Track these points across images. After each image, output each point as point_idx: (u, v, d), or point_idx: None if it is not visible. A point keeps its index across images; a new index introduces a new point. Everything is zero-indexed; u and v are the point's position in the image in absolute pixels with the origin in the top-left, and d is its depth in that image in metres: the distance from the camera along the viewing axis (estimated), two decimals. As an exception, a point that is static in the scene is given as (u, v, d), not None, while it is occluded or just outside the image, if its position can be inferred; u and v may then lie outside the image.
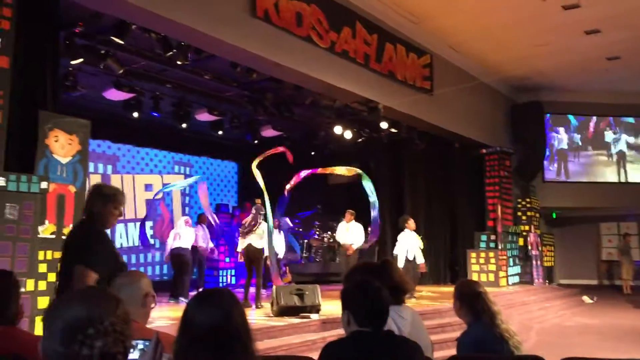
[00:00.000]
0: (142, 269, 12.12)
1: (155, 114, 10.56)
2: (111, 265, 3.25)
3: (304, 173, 10.11)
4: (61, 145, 5.86)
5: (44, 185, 5.39)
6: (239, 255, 8.97)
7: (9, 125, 5.39)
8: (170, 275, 11.09)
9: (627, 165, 15.41)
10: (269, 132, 12.36)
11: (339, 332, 5.96)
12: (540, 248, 13.95)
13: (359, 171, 10.24)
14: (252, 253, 8.70)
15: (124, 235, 12.60)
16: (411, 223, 10.18)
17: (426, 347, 3.00)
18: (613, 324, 10.21)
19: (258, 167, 9.44)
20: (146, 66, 9.22)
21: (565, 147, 15.40)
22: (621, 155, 15.45)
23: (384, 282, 2.74)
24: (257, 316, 7.57)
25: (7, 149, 5.40)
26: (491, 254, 12.18)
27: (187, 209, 14.31)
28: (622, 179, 15.34)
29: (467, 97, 11.96)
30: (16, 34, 5.48)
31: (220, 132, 11.85)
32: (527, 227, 13.93)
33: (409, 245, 9.96)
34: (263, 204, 8.97)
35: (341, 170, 10.44)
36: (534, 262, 13.66)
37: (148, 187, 13.26)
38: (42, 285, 5.29)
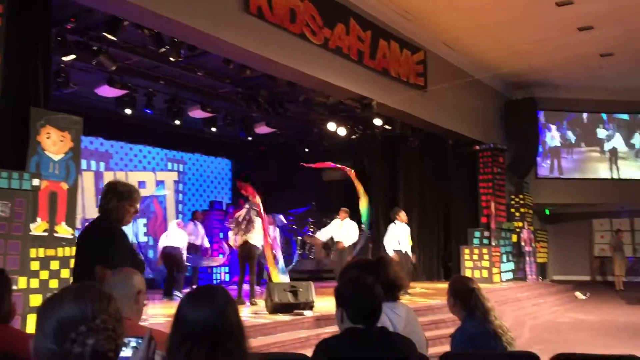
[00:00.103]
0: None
1: (148, 111, 10.52)
2: (128, 263, 3.23)
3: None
4: (53, 142, 5.83)
5: (35, 182, 5.36)
6: (227, 246, 8.99)
7: (1, 122, 5.35)
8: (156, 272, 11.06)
9: (620, 161, 15.47)
10: (262, 129, 12.35)
11: (333, 329, 5.97)
12: (533, 244, 13.99)
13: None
14: (248, 250, 8.70)
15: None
16: (402, 215, 10.25)
17: (421, 343, 3.00)
18: (606, 319, 10.26)
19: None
20: (139, 63, 9.19)
21: (559, 143, 15.45)
22: (614, 151, 15.51)
23: (379, 279, 2.74)
24: (251, 313, 7.57)
25: (-2, 146, 5.38)
26: (485, 251, 12.21)
27: (180, 206, 14.29)
28: (615, 176, 15.40)
29: (460, 93, 11.97)
30: (7, 30, 5.44)
31: (213, 129, 11.82)
32: (520, 224, 13.98)
33: (400, 237, 10.01)
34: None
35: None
36: (527, 258, 13.70)
37: (141, 184, 13.21)
38: (34, 283, 5.27)
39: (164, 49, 7.82)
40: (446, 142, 13.42)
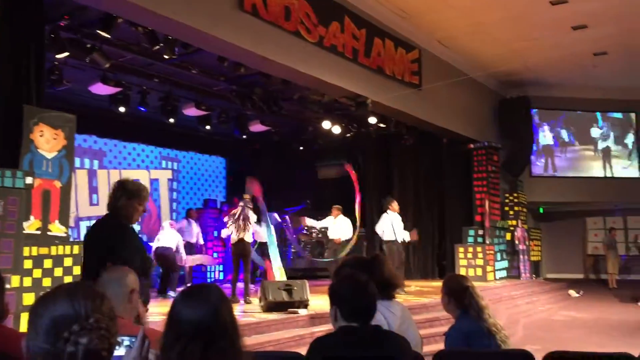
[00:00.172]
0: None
1: (142, 109, 10.49)
2: (139, 262, 3.29)
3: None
4: (46, 140, 5.80)
5: (29, 180, 5.34)
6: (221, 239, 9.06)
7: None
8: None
9: (613, 160, 15.54)
10: (257, 127, 12.33)
11: (328, 327, 5.97)
12: (527, 242, 14.03)
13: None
14: (243, 247, 8.72)
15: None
16: (395, 205, 10.34)
17: (416, 342, 3.01)
18: (599, 317, 10.31)
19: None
20: (133, 60, 9.14)
21: (552, 142, 15.50)
22: (607, 150, 15.58)
23: (374, 277, 2.74)
24: (246, 311, 7.56)
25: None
26: (479, 249, 12.24)
27: (174, 204, 14.26)
28: (609, 174, 15.47)
29: (455, 92, 11.98)
30: (0, 28, 5.40)
31: (208, 127, 11.79)
32: (514, 222, 14.01)
33: (395, 226, 10.10)
34: None
35: None
36: (521, 256, 13.74)
37: (135, 182, 13.18)
38: (27, 282, 5.25)
39: (158, 47, 7.78)
40: (441, 141, 13.44)
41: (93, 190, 12.44)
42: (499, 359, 3.15)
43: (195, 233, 11.45)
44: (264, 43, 7.72)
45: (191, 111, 11.03)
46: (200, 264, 11.97)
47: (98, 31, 7.29)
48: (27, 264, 5.30)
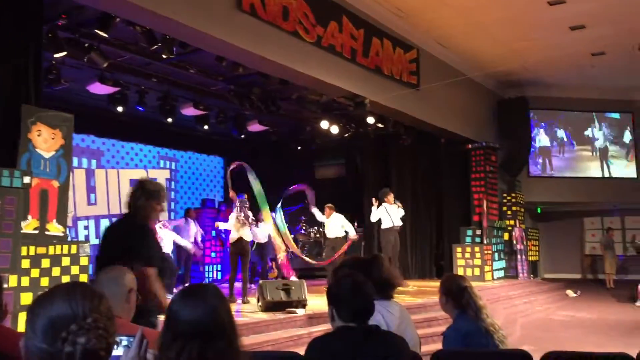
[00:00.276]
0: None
1: (140, 108, 10.48)
2: (159, 261, 3.40)
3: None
4: (44, 140, 5.79)
5: (26, 180, 5.33)
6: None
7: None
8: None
9: (611, 160, 15.57)
10: (255, 127, 12.32)
11: (326, 327, 5.98)
12: (525, 242, 14.05)
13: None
14: (242, 247, 8.75)
15: (109, 231, 12.49)
16: (391, 198, 10.64)
17: (414, 342, 3.01)
18: (597, 317, 10.33)
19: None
20: (131, 60, 9.13)
21: (550, 142, 15.52)
22: (605, 150, 15.60)
23: (372, 278, 2.74)
24: (243, 311, 7.56)
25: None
26: (476, 249, 12.25)
27: (172, 204, 14.25)
28: (606, 174, 15.50)
29: (453, 92, 11.99)
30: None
31: (206, 127, 11.77)
32: (512, 222, 14.03)
33: (391, 215, 10.33)
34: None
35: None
36: (519, 256, 13.76)
37: (133, 182, 13.11)
38: (25, 281, 5.24)
39: (156, 46, 7.77)
40: (439, 141, 13.45)
41: (91, 189, 12.42)
42: (497, 359, 3.15)
43: (193, 233, 11.44)
44: (262, 43, 7.71)
45: (189, 111, 11.03)
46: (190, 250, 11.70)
47: (96, 30, 7.28)
48: (25, 263, 5.29)
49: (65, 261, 5.64)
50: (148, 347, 1.63)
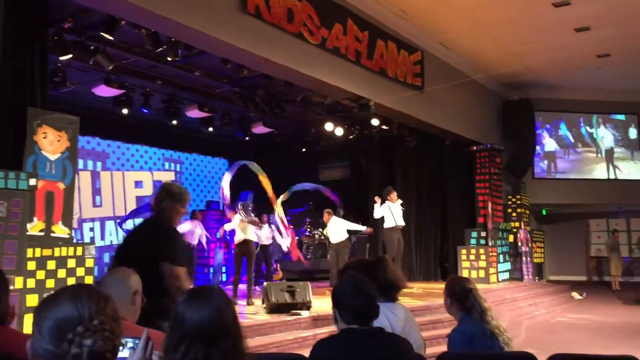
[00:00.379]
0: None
1: (145, 111, 10.51)
2: (186, 261, 3.49)
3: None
4: (50, 142, 5.81)
5: (32, 182, 5.35)
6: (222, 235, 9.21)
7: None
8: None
9: (616, 162, 15.52)
10: (259, 129, 12.34)
11: (330, 329, 5.97)
12: (530, 244, 14.02)
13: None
14: (247, 248, 8.76)
15: (113, 233, 12.54)
16: (393, 196, 10.66)
17: (418, 344, 3.01)
18: (602, 320, 10.29)
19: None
20: (136, 62, 9.16)
21: (555, 144, 15.48)
22: (610, 152, 15.55)
23: (377, 280, 2.74)
24: (248, 313, 7.56)
25: (-5, 146, 5.37)
26: (481, 251, 12.22)
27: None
28: (612, 176, 15.45)
29: (457, 94, 11.98)
30: (4, 29, 5.42)
31: (210, 129, 11.80)
32: (517, 224, 14.00)
33: (394, 214, 10.35)
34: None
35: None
36: (524, 258, 13.73)
37: (138, 183, 13.21)
38: (30, 283, 5.26)
39: (161, 49, 7.80)
40: (443, 143, 13.43)
41: (96, 191, 12.46)
42: (502, 361, 3.15)
43: (198, 235, 11.46)
44: (267, 45, 7.73)
45: (194, 113, 11.05)
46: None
47: (101, 33, 7.33)
48: (31, 265, 5.31)
49: (71, 263, 5.66)
50: (153, 349, 1.63)
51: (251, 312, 7.71)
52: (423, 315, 7.89)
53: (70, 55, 7.80)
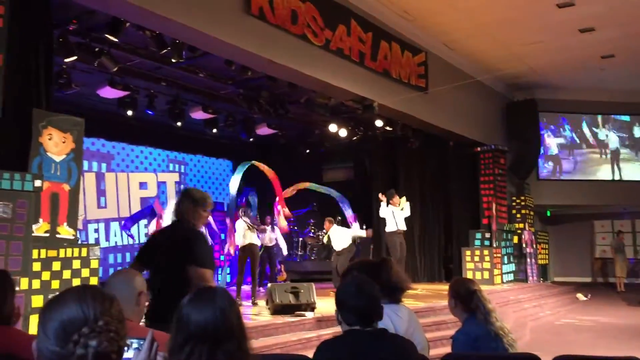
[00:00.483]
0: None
1: (149, 112, 10.54)
2: (212, 264, 3.53)
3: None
4: (55, 144, 5.84)
5: (37, 183, 5.37)
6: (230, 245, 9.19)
7: (2, 123, 5.36)
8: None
9: (621, 163, 15.48)
10: (264, 130, 12.35)
11: (334, 330, 5.97)
12: (534, 246, 13.99)
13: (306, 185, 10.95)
14: (252, 251, 8.80)
15: (118, 234, 12.57)
16: (396, 200, 10.61)
17: (422, 345, 3.01)
18: (607, 321, 10.26)
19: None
20: (140, 64, 9.19)
21: (559, 145, 15.45)
22: (615, 153, 15.52)
23: (381, 281, 2.75)
24: (252, 314, 7.57)
25: (0, 147, 5.38)
26: (486, 252, 12.21)
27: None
28: (616, 177, 15.41)
29: (461, 95, 11.97)
30: (9, 32, 5.44)
31: (214, 130, 11.82)
32: (521, 225, 13.97)
33: (396, 218, 10.38)
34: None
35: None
36: (528, 259, 13.70)
37: (142, 185, 13.23)
38: (36, 284, 5.28)
39: (165, 51, 7.83)
40: (447, 144, 13.42)
41: (101, 193, 12.49)
42: (506, 363, 3.14)
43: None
44: (271, 46, 7.74)
45: (198, 114, 11.07)
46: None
47: (106, 35, 7.35)
48: (36, 266, 5.34)
49: (76, 264, 5.69)
50: (158, 350, 1.64)
51: (255, 313, 7.72)
52: (427, 317, 7.89)
53: (75, 57, 7.83)
